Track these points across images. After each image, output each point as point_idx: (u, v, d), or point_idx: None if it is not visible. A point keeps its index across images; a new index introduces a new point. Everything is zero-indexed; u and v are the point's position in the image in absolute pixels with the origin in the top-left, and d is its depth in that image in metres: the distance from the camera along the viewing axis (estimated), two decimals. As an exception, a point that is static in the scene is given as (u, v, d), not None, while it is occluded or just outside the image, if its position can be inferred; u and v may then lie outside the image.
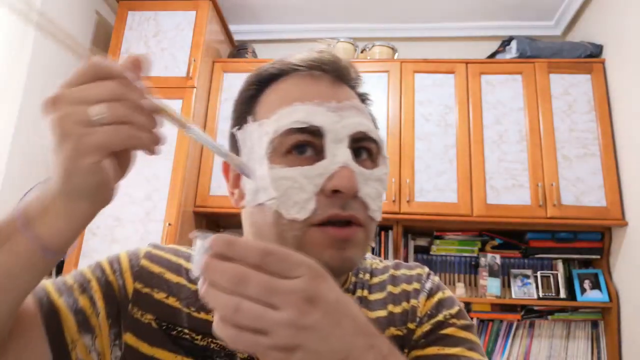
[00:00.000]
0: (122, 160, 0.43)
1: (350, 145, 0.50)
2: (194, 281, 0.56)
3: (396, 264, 0.66)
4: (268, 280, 0.34)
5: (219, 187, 2.23)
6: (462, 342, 0.56)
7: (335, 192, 0.48)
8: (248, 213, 0.55)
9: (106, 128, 0.38)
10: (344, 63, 0.56)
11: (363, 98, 0.58)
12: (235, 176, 0.57)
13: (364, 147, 0.53)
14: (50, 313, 0.49)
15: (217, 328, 0.35)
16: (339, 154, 0.49)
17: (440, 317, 0.58)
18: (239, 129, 0.56)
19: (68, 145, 0.38)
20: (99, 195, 0.42)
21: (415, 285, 0.62)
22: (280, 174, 0.49)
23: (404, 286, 0.62)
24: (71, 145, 0.38)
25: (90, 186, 0.40)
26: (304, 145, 0.50)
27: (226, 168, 0.59)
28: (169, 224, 2.02)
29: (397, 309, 0.59)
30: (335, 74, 0.55)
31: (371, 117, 0.57)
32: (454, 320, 0.58)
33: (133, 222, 2.04)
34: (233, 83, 2.40)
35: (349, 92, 0.56)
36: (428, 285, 0.62)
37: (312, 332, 0.34)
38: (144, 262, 0.57)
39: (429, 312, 0.59)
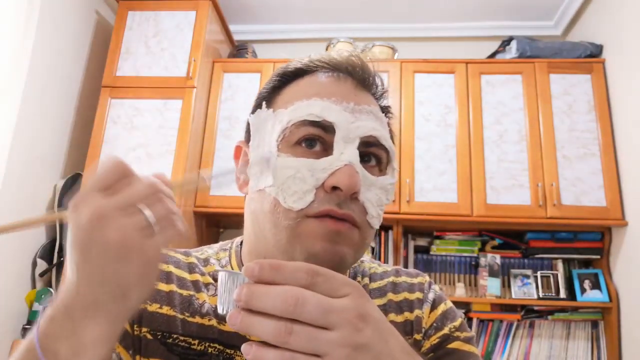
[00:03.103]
0: None
1: (360, 148, 0.50)
2: (185, 287, 0.56)
3: (396, 270, 0.66)
4: (324, 299, 0.34)
5: (219, 187, 2.23)
6: (467, 356, 0.58)
7: (335, 189, 0.48)
8: (249, 199, 0.55)
9: (162, 227, 0.37)
10: (370, 70, 0.56)
11: (384, 111, 0.58)
12: (245, 161, 0.58)
13: (373, 153, 0.53)
14: None
15: (261, 355, 0.34)
16: (346, 153, 0.49)
17: (445, 330, 0.59)
18: (252, 114, 0.56)
19: (136, 257, 0.35)
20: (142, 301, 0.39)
21: (418, 294, 0.62)
22: (284, 163, 0.49)
23: (406, 295, 0.62)
24: (140, 257, 0.36)
25: (148, 294, 0.38)
26: (314, 139, 0.50)
27: (237, 152, 0.60)
28: (169, 224, 2.02)
29: (399, 319, 0.59)
30: (360, 79, 0.55)
31: (388, 127, 0.57)
32: (457, 334, 0.59)
33: (133, 222, 2.04)
34: (233, 83, 2.39)
35: (370, 99, 0.55)
36: (431, 295, 0.62)
37: (367, 350, 0.34)
38: None
39: (434, 324, 0.60)
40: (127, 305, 0.37)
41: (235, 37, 2.78)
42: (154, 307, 0.54)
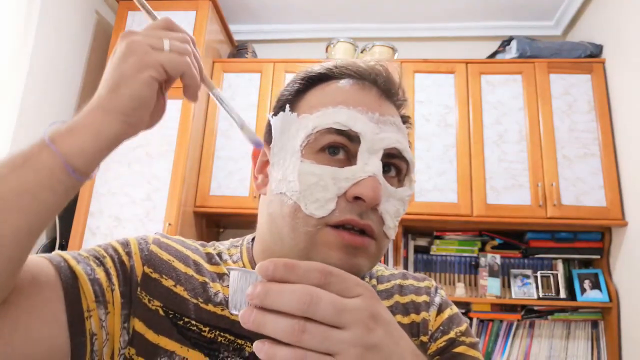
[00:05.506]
0: (159, 104, 0.50)
1: (382, 159, 0.51)
2: (202, 273, 0.57)
3: (403, 273, 0.66)
4: (338, 299, 0.34)
5: (219, 187, 2.23)
6: None
7: (357, 199, 0.48)
8: (267, 200, 0.55)
9: (170, 53, 0.46)
10: (395, 81, 0.57)
11: (404, 120, 0.59)
12: (263, 162, 0.58)
13: (394, 164, 0.53)
14: (69, 277, 0.48)
15: (273, 353, 0.34)
16: (370, 164, 0.49)
17: (452, 334, 0.60)
18: (274, 115, 0.57)
19: (134, 58, 0.44)
20: (136, 116, 0.46)
21: (425, 297, 0.63)
22: (308, 169, 0.49)
23: (413, 297, 0.62)
24: (137, 58, 0.44)
25: (134, 102, 0.44)
26: (338, 147, 0.51)
27: (255, 152, 0.60)
28: (169, 224, 2.03)
29: (405, 320, 0.60)
30: (385, 88, 0.56)
31: (408, 138, 0.58)
32: (463, 338, 0.60)
33: (133, 222, 2.04)
34: (233, 83, 2.39)
35: (392, 109, 0.56)
36: (437, 299, 0.63)
37: (378, 351, 0.34)
38: (153, 248, 0.57)
39: (441, 327, 0.60)
40: (118, 98, 0.44)
41: (235, 37, 2.78)
42: (169, 283, 0.54)
